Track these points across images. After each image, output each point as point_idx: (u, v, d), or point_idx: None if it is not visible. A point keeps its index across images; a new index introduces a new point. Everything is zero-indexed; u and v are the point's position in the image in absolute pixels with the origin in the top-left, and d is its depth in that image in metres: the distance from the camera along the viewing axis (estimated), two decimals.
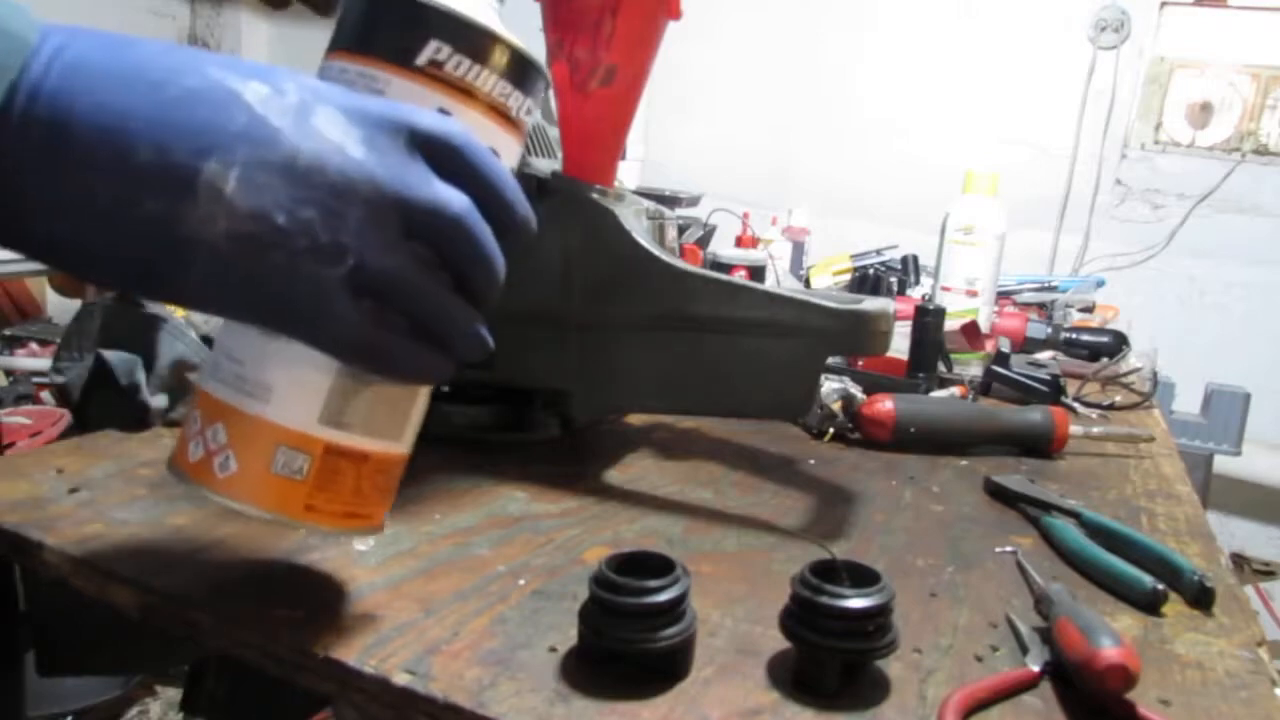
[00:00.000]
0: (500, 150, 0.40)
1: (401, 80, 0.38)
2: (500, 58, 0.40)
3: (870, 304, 0.61)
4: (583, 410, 0.68)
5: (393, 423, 0.40)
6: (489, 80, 0.40)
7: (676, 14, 0.57)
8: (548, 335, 0.65)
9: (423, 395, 0.41)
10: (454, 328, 0.38)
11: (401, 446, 0.41)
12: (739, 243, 1.48)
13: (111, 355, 0.66)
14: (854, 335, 0.60)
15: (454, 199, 0.36)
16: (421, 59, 0.38)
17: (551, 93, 0.62)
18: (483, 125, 0.40)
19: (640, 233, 0.63)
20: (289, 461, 0.38)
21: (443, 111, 0.38)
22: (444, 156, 0.36)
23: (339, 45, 0.40)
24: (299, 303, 0.35)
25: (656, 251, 0.62)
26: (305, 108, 0.34)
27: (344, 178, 0.34)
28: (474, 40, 0.39)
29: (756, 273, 1.24)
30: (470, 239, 0.37)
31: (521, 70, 0.41)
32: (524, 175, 0.63)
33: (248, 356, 0.38)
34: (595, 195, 0.63)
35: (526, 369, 0.67)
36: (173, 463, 0.39)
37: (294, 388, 0.37)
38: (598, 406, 0.68)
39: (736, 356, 0.61)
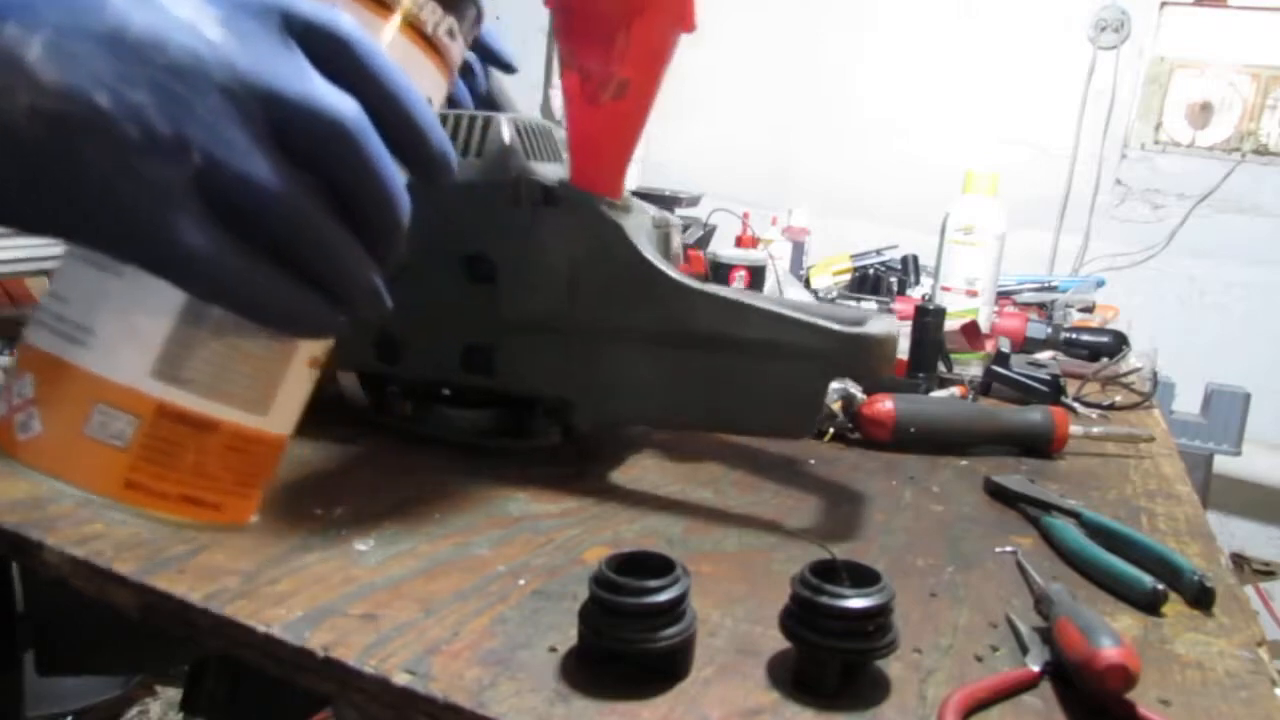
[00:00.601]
0: (415, 75, 0.33)
1: None
2: None
3: (875, 326, 0.59)
4: (585, 420, 0.67)
5: (255, 388, 0.32)
6: None
7: (691, 27, 0.56)
8: (551, 343, 0.65)
9: (298, 360, 0.33)
10: (338, 266, 0.31)
11: (269, 422, 0.33)
12: (739, 243, 1.48)
13: None
14: (858, 359, 0.59)
15: (340, 101, 0.29)
16: None
17: (561, 100, 0.62)
18: (394, 41, 0.33)
19: (647, 246, 0.63)
20: (108, 423, 0.30)
21: None
22: (329, 52, 0.30)
23: None
24: (131, 211, 0.27)
25: (662, 266, 0.62)
26: None
27: (192, 58, 0.27)
28: None
29: (756, 273, 1.24)
30: (360, 156, 0.30)
31: None
32: (529, 182, 0.63)
33: (73, 294, 0.31)
34: (604, 208, 0.63)
35: (530, 376, 0.66)
36: None
37: (123, 331, 0.30)
38: (600, 417, 0.67)
39: (739, 375, 0.61)
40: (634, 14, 0.51)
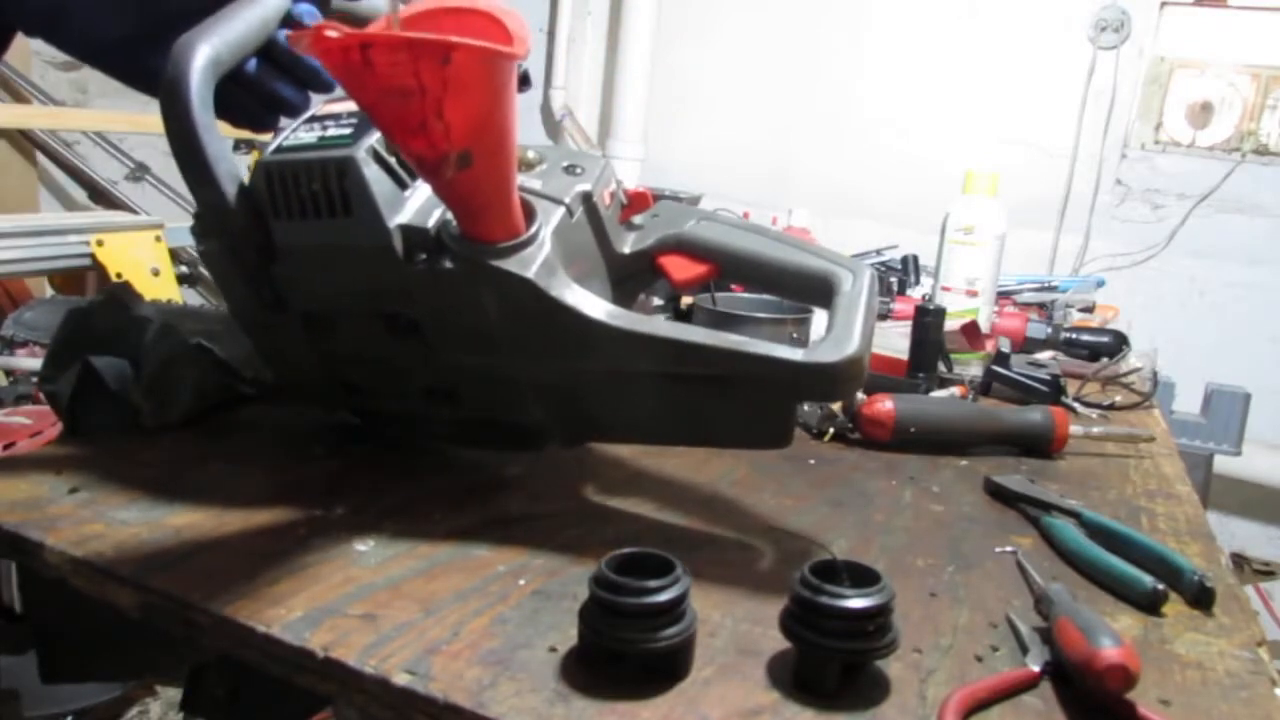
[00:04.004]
0: None
1: None
2: None
3: (836, 346, 0.54)
4: (565, 444, 0.65)
5: None
6: None
7: (522, 53, 0.44)
8: (510, 380, 0.59)
9: None
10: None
11: None
12: None
13: (100, 361, 0.65)
14: (820, 386, 0.55)
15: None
16: None
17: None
18: None
19: (566, 282, 0.55)
20: None
21: None
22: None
23: None
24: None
25: (593, 312, 0.55)
26: None
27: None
28: None
29: None
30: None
31: None
32: (412, 233, 0.55)
33: None
34: (505, 264, 0.53)
35: (496, 407, 0.62)
36: None
37: None
38: (574, 439, 0.65)
39: (706, 401, 0.56)
40: (439, 96, 0.41)
